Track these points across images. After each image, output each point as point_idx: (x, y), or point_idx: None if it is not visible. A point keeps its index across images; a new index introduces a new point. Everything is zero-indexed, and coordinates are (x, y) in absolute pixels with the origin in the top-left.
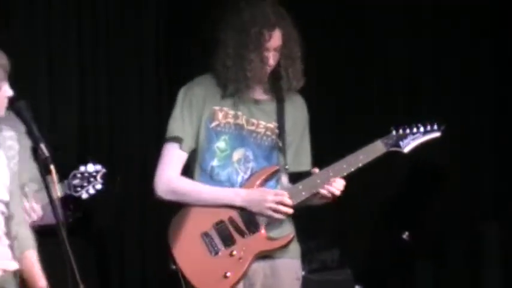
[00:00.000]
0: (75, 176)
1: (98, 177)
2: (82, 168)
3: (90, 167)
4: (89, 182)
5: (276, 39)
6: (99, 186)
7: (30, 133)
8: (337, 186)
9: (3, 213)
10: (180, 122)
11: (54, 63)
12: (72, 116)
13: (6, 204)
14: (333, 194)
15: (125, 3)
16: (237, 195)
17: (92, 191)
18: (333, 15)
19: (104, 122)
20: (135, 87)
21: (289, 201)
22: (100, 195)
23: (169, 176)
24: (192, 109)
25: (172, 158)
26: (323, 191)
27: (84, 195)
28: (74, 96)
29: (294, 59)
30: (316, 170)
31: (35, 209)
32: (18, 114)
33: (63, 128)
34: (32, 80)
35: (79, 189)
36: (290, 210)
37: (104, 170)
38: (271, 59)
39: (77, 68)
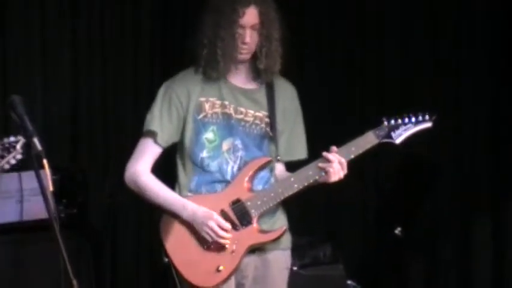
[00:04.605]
0: None
1: (18, 147)
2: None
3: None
4: (9, 152)
5: (250, 16)
6: (19, 156)
7: (23, 127)
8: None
9: None
10: (157, 116)
11: (47, 60)
12: (65, 117)
13: None
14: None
15: (121, 0)
16: (184, 209)
17: (13, 161)
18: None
19: (97, 118)
20: (130, 86)
21: (226, 237)
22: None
23: (137, 169)
24: (171, 105)
25: (145, 151)
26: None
27: (6, 166)
28: (67, 97)
29: (271, 40)
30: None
31: None
32: (12, 108)
33: (56, 128)
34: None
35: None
36: (226, 242)
37: (23, 140)
38: (248, 36)
39: (70, 67)
